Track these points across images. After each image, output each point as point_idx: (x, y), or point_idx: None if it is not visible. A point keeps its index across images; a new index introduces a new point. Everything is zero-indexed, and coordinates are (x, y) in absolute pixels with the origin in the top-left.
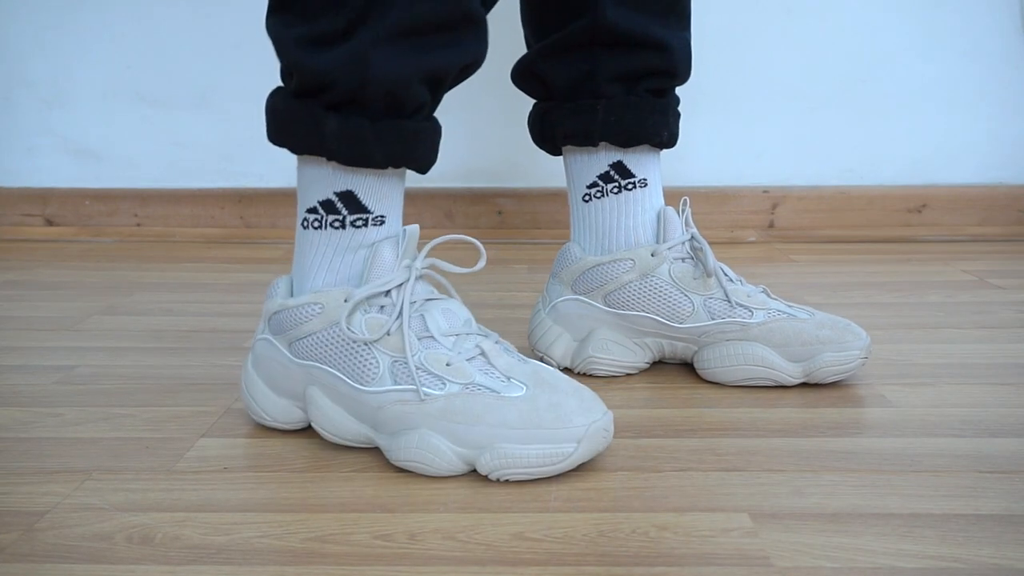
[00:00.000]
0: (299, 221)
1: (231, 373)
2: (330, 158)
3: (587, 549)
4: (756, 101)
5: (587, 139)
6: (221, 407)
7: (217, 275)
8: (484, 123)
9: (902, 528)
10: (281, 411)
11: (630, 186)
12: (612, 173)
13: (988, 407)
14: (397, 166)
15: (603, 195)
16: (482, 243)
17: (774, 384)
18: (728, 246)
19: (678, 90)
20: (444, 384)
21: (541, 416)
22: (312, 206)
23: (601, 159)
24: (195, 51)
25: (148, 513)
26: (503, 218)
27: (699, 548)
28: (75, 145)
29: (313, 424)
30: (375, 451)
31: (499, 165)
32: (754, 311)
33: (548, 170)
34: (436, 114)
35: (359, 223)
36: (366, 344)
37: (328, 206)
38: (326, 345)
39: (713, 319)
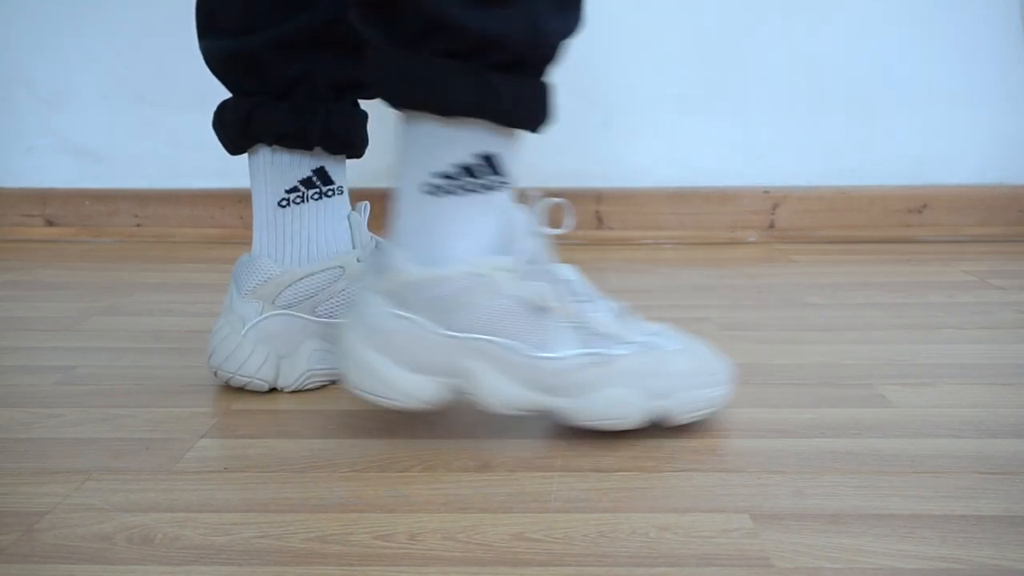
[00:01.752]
0: (412, 184)
1: None
2: (494, 119)
3: (587, 549)
4: (756, 101)
5: (302, 141)
6: (221, 408)
7: (217, 275)
8: None
9: (902, 529)
10: (417, 388)
11: (330, 192)
12: (314, 179)
13: (989, 407)
14: (543, 128)
15: (303, 200)
16: None
17: None
18: (728, 246)
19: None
20: (621, 344)
21: (701, 364)
22: (443, 170)
23: (305, 164)
24: (195, 51)
25: (148, 513)
26: None
27: (699, 549)
28: (75, 145)
29: (477, 396)
30: (375, 451)
31: None
32: None
33: (548, 170)
34: None
35: (498, 186)
36: (540, 311)
37: (467, 170)
38: (495, 315)
39: None
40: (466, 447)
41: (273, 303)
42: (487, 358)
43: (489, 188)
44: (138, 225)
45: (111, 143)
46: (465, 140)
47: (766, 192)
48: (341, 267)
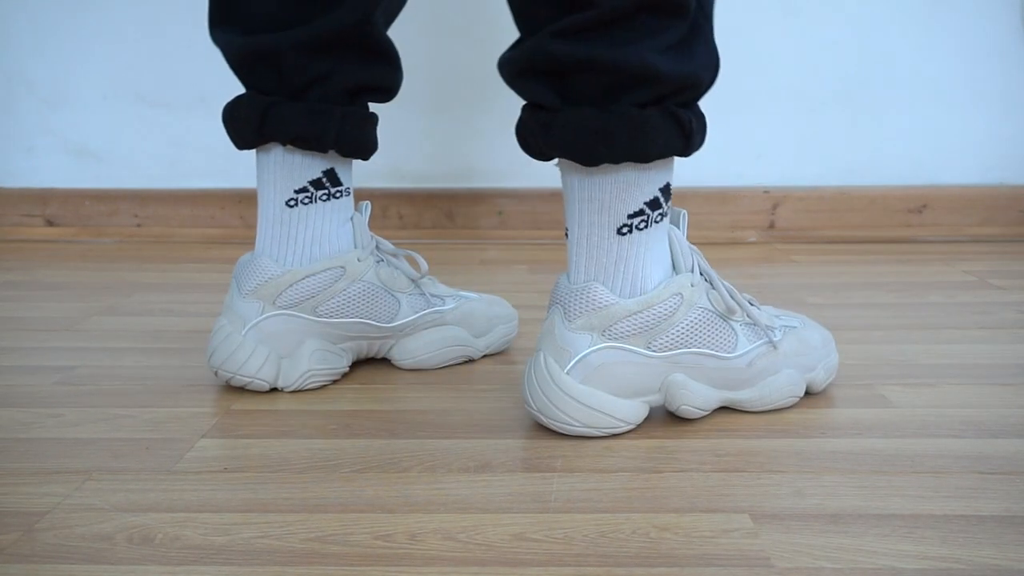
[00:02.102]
0: (604, 229)
1: None
2: (684, 153)
3: (587, 550)
4: (756, 101)
5: (318, 143)
6: (221, 408)
7: (217, 275)
8: (484, 123)
9: (903, 529)
10: (633, 412)
11: (338, 194)
12: (324, 180)
13: (989, 407)
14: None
15: (311, 201)
16: (482, 243)
17: (468, 359)
18: (728, 247)
19: None
20: (774, 331)
21: (822, 334)
22: (637, 209)
23: (316, 165)
24: (195, 51)
25: (148, 514)
26: (503, 218)
27: (700, 549)
28: (75, 145)
29: (683, 406)
30: (375, 451)
31: (499, 165)
32: (445, 299)
33: (548, 170)
34: (437, 112)
35: (668, 211)
36: (725, 316)
37: (654, 203)
38: (694, 329)
39: (416, 313)
40: (466, 447)
41: (274, 303)
42: (687, 368)
43: (665, 215)
44: (138, 225)
45: (111, 143)
46: (655, 178)
47: (766, 192)
48: (342, 267)
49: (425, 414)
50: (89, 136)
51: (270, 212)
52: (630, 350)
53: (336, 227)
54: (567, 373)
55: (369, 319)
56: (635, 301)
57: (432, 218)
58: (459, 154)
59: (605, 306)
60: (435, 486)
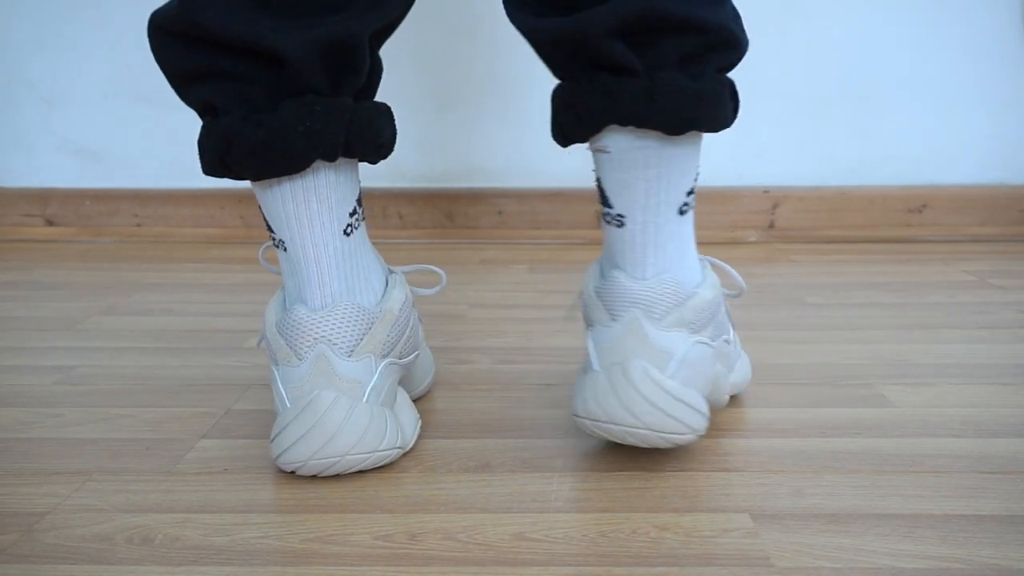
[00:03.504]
0: (670, 208)
1: (231, 374)
2: (726, 126)
3: (587, 549)
4: (756, 101)
5: (374, 149)
6: (221, 408)
7: (217, 275)
8: (484, 123)
9: (903, 528)
10: (707, 412)
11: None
12: (360, 194)
13: (988, 407)
14: None
15: (359, 223)
16: (482, 243)
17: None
18: (728, 246)
19: None
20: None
21: None
22: (693, 186)
23: (356, 177)
24: None
25: (148, 514)
26: (503, 218)
27: (700, 548)
28: (75, 145)
29: (724, 396)
30: None
31: (499, 165)
32: None
33: (548, 170)
34: (437, 112)
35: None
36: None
37: (695, 180)
38: (720, 317)
39: None
40: (466, 447)
41: (380, 355)
42: (721, 357)
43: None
44: (138, 225)
45: (111, 143)
46: (699, 153)
47: (766, 192)
48: (408, 296)
49: (425, 414)
50: (89, 136)
51: (329, 249)
52: (708, 343)
53: (370, 248)
54: (671, 377)
55: (414, 352)
56: (709, 289)
57: (432, 218)
58: (459, 154)
59: (688, 297)
60: (435, 486)
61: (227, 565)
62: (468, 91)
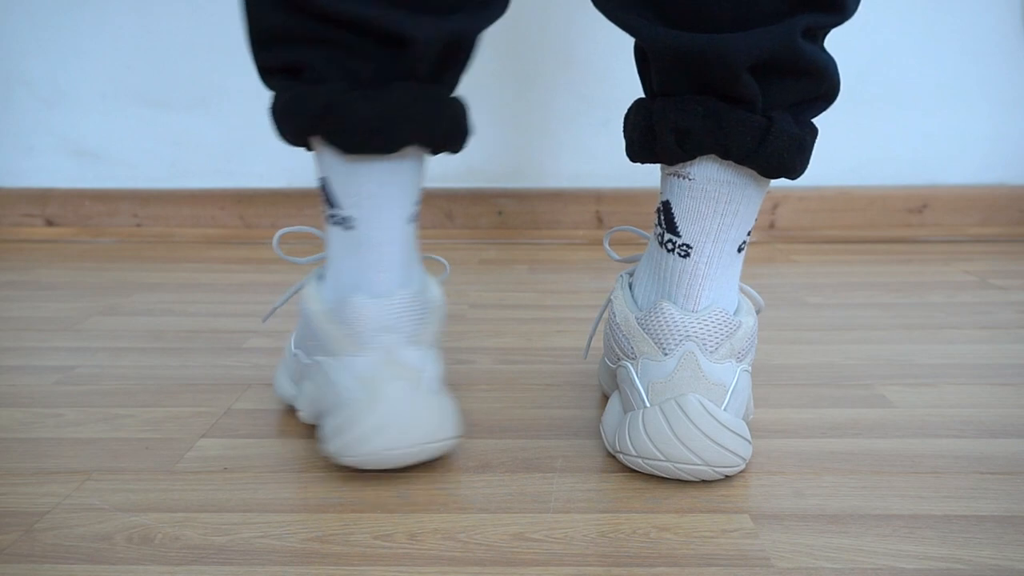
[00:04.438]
0: (732, 246)
1: (231, 373)
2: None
3: (587, 550)
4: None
5: (454, 140)
6: (221, 407)
7: (217, 275)
8: (485, 123)
9: (903, 529)
10: None
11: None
12: None
13: (989, 407)
14: None
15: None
16: (482, 243)
17: None
18: None
19: None
20: None
21: None
22: (752, 225)
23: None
24: (195, 51)
25: (148, 513)
26: (503, 218)
27: (699, 549)
28: (75, 145)
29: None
30: None
31: (499, 165)
32: None
33: (548, 170)
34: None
35: None
36: None
37: None
38: None
39: None
40: (466, 447)
41: (434, 345)
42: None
43: None
44: (138, 225)
45: (111, 143)
46: None
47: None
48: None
49: None
50: (89, 136)
51: (397, 231)
52: (748, 370)
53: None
54: (725, 410)
55: None
56: (748, 315)
57: (432, 218)
58: (459, 154)
59: (736, 327)
60: (435, 486)
61: (227, 565)
62: (468, 91)
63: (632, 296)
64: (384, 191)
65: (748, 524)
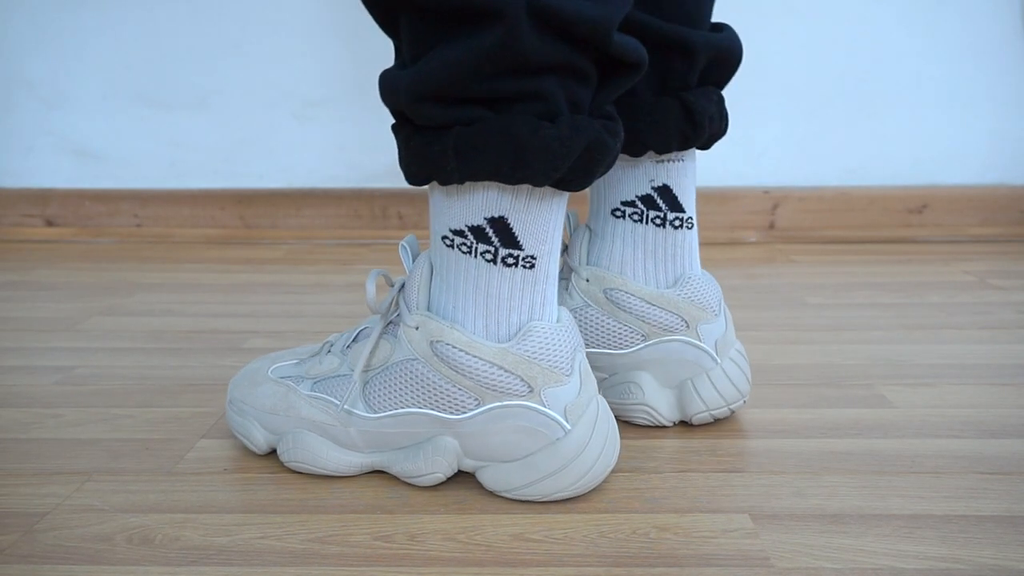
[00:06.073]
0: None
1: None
2: None
3: (587, 550)
4: (756, 101)
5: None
6: (221, 408)
7: (217, 275)
8: None
9: (903, 529)
10: None
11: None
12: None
13: (989, 408)
14: None
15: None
16: None
17: None
18: (728, 247)
19: None
20: None
21: None
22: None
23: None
24: (195, 51)
25: (148, 514)
26: None
27: (699, 549)
28: (75, 145)
29: None
30: None
31: None
32: None
33: None
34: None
35: None
36: None
37: None
38: None
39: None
40: None
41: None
42: None
43: None
44: (138, 225)
45: (111, 143)
46: None
47: (766, 192)
48: None
49: None
50: (89, 136)
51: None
52: None
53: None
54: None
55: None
56: None
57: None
58: None
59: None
60: (435, 486)
61: (227, 565)
62: None
63: (646, 276)
64: (560, 222)
65: (748, 524)
